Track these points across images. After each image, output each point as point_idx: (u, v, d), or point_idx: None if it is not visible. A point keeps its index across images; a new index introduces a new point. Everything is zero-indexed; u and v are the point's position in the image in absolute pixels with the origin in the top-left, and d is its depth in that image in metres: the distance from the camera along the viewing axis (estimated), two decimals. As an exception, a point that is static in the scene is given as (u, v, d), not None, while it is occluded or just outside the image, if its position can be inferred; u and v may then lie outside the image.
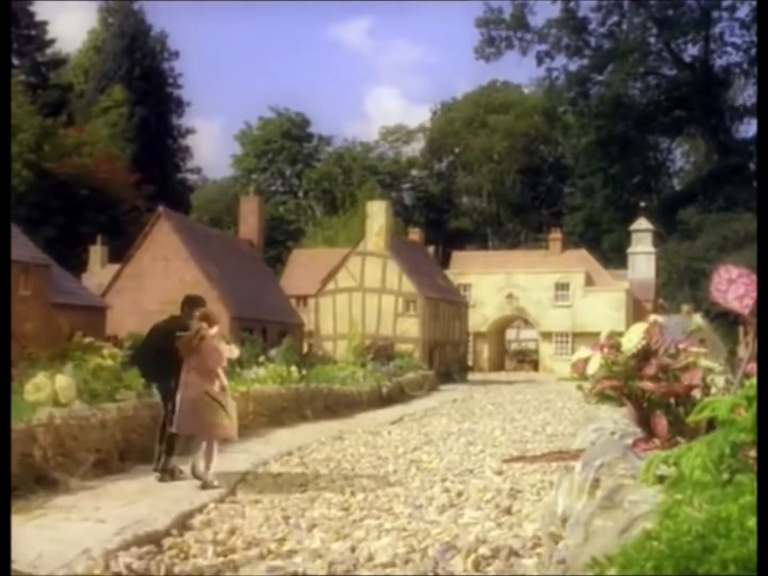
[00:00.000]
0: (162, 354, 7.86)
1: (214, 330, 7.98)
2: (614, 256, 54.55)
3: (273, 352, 19.73)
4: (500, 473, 8.22)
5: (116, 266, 33.77)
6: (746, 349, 3.01)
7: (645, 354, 3.54)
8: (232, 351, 8.45)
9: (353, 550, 5.17)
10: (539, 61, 67.80)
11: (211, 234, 36.33)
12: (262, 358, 17.14)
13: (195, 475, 7.57)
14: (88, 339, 13.47)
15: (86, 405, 8.48)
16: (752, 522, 1.48)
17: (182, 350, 7.73)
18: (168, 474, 7.80)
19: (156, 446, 8.00)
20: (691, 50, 67.53)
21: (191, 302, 8.48)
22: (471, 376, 36.67)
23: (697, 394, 3.46)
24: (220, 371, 7.92)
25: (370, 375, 21.51)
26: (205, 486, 7.40)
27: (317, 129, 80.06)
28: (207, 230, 39.38)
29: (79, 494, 6.92)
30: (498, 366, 46.54)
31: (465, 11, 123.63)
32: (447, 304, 37.14)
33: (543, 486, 7.25)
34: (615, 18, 66.68)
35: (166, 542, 5.38)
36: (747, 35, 62.64)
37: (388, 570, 4.76)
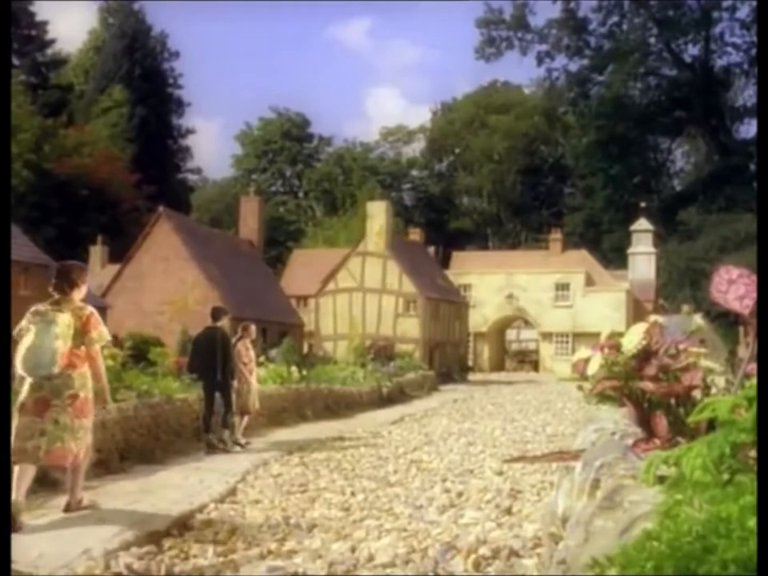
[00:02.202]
0: (209, 357, 10.05)
1: (248, 340, 11.24)
2: (615, 256, 54.56)
3: (273, 352, 19.75)
4: (500, 473, 8.21)
5: (116, 266, 33.78)
6: (746, 349, 3.01)
7: (645, 355, 3.54)
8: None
9: (353, 550, 5.17)
10: (539, 61, 67.96)
11: (211, 235, 36.35)
12: (262, 358, 17.14)
13: (234, 442, 10.40)
14: (88, 339, 13.44)
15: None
16: (752, 522, 1.48)
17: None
18: (223, 443, 10.06)
19: (203, 435, 10.06)
20: (691, 51, 67.69)
21: (218, 312, 10.69)
22: (471, 376, 36.68)
23: (697, 394, 3.45)
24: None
25: (371, 375, 21.50)
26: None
27: (317, 129, 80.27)
28: (207, 230, 39.39)
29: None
30: (498, 366, 46.55)
31: (465, 11, 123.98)
32: (447, 304, 37.15)
33: (543, 486, 7.24)
34: (615, 19, 66.78)
35: (166, 542, 5.38)
36: (747, 35, 62.71)
37: (388, 571, 4.75)
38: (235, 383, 10.55)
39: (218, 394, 10.25)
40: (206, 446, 9.92)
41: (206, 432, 10.05)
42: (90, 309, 6.01)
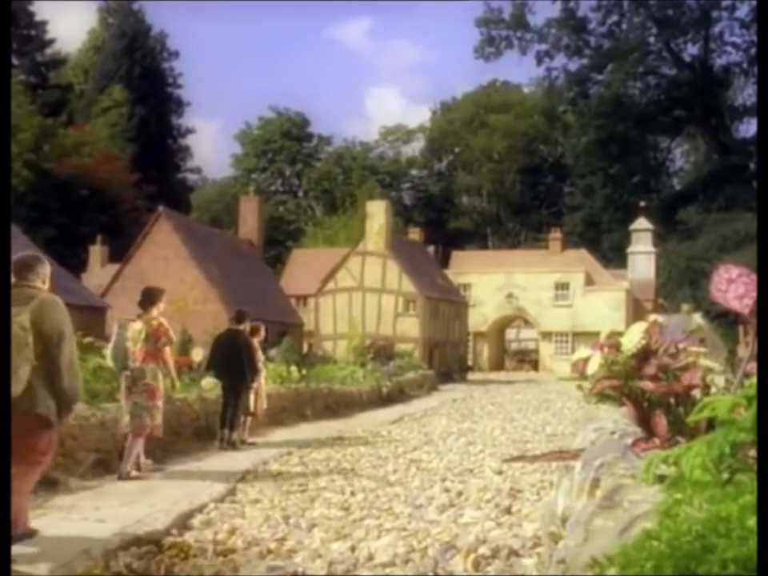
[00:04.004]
0: (231, 358, 10.42)
1: (256, 340, 11.25)
2: (614, 256, 54.52)
3: (273, 352, 19.72)
4: (500, 472, 8.20)
5: (116, 266, 33.72)
6: (746, 348, 3.01)
7: (645, 354, 3.54)
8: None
9: (353, 549, 5.16)
10: (539, 60, 67.85)
11: (211, 234, 36.31)
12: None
13: (236, 442, 10.38)
14: (88, 339, 13.43)
15: (85, 405, 8.47)
16: (752, 521, 1.48)
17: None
18: (232, 445, 10.28)
19: (219, 431, 10.41)
20: (691, 50, 67.59)
21: (241, 315, 11.15)
22: (471, 376, 36.66)
23: (697, 393, 3.45)
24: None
25: (370, 375, 21.51)
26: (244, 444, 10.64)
27: (317, 129, 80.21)
28: (207, 230, 39.34)
29: (79, 493, 6.92)
30: (497, 365, 46.53)
31: (465, 11, 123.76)
32: (447, 304, 37.14)
33: (543, 485, 7.24)
34: (615, 18, 66.69)
35: (166, 541, 5.37)
36: (747, 35, 62.65)
37: (388, 570, 4.75)
38: (255, 385, 10.93)
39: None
40: (220, 440, 10.26)
41: (221, 428, 10.37)
42: (160, 320, 8.12)
